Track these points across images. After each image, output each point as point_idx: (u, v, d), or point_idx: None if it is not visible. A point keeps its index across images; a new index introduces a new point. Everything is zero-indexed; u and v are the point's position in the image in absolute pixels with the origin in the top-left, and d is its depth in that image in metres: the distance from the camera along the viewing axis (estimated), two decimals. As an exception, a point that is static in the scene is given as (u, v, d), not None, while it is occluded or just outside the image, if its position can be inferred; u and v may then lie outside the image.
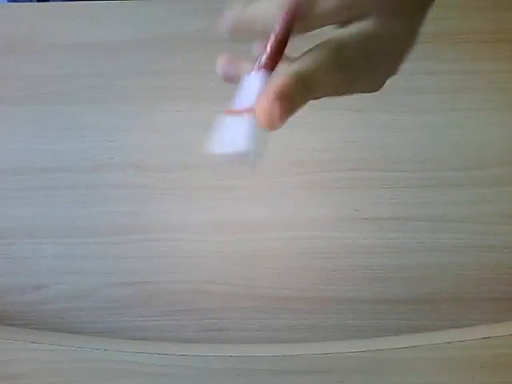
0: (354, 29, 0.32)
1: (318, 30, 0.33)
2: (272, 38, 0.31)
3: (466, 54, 0.62)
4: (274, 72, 0.31)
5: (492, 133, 0.62)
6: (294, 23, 0.31)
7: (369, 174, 0.62)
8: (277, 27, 0.31)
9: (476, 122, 0.62)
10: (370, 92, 0.36)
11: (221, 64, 0.35)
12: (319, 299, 0.61)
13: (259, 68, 0.31)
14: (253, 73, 0.31)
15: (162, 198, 0.61)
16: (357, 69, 0.33)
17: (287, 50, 0.32)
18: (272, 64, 0.31)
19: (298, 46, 0.33)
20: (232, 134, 0.29)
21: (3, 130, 0.62)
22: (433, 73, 0.62)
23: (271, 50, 0.31)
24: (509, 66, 0.62)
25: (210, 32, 0.65)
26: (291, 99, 0.28)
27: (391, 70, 0.36)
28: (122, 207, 0.61)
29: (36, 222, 0.61)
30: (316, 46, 0.32)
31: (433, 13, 0.61)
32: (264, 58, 0.31)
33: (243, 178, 0.61)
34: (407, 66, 0.62)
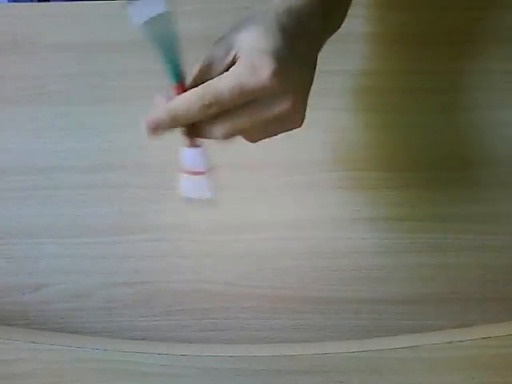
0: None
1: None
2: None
3: (465, 53, 0.62)
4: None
5: (491, 133, 0.62)
6: None
7: (369, 174, 0.61)
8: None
9: (475, 122, 0.62)
10: None
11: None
12: (319, 299, 0.61)
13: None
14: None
15: (162, 197, 0.61)
16: None
17: None
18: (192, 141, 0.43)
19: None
20: (195, 187, 0.44)
21: (3, 130, 0.62)
22: (432, 73, 0.61)
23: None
24: (509, 66, 0.61)
25: (209, 32, 0.65)
26: (161, 128, 0.42)
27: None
28: (122, 207, 0.61)
29: (36, 221, 0.61)
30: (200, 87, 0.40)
31: (431, 13, 0.62)
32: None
33: (243, 177, 0.61)
34: (406, 66, 0.62)
